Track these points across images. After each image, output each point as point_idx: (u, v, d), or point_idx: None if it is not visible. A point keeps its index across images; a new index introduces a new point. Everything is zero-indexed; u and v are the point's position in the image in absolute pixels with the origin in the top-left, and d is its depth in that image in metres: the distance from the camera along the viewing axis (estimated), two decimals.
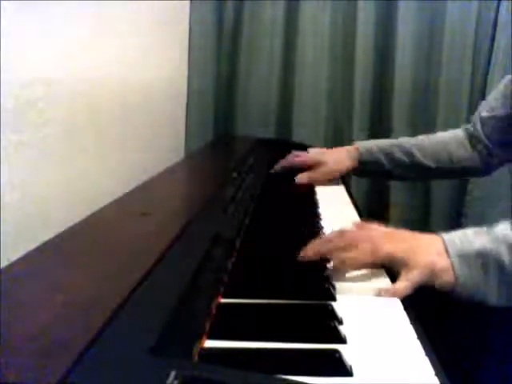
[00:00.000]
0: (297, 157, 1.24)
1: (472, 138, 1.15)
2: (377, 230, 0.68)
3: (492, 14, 1.70)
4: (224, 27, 1.76)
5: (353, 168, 1.17)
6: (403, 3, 1.71)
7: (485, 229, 0.64)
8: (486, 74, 1.72)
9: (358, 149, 1.17)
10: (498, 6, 1.69)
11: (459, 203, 1.75)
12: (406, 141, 1.18)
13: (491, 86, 1.70)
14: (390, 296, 0.58)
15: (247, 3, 1.73)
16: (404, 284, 0.59)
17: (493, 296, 0.61)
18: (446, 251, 0.61)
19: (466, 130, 1.18)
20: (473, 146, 1.15)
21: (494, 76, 1.69)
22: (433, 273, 0.60)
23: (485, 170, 1.17)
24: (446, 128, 1.73)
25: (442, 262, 0.61)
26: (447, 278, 0.60)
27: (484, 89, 1.73)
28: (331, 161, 1.18)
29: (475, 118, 1.16)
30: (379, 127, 1.80)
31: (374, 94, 1.78)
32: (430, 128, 1.76)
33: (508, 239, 0.61)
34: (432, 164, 1.14)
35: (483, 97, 1.73)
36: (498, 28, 1.68)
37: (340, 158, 1.18)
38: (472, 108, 1.75)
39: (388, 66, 1.76)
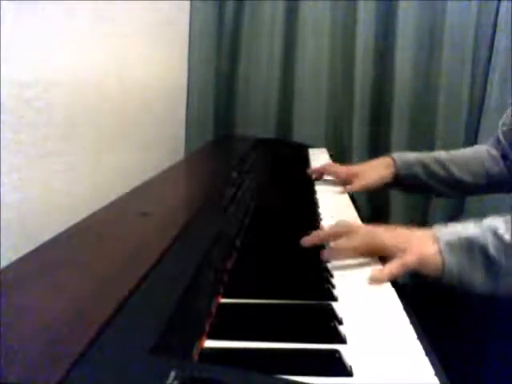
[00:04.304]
0: (334, 167, 1.23)
1: (501, 152, 1.13)
2: (374, 226, 0.71)
3: (492, 14, 1.70)
4: (224, 27, 1.76)
5: (390, 181, 1.14)
6: (403, 3, 1.71)
7: (474, 221, 0.67)
8: (486, 74, 1.72)
9: (394, 161, 1.14)
10: (498, 7, 1.69)
11: (459, 202, 1.75)
12: (441, 155, 1.16)
13: (491, 87, 1.70)
14: (380, 277, 0.61)
15: (247, 3, 1.73)
16: (393, 266, 0.63)
17: (479, 282, 0.63)
18: (437, 241, 0.65)
19: (496, 144, 1.15)
20: (504, 161, 1.13)
21: (494, 76, 1.69)
22: (422, 260, 0.64)
23: None
24: (445, 128, 1.75)
25: (431, 249, 0.64)
26: (435, 264, 0.64)
27: (484, 89, 1.73)
28: (369, 173, 1.15)
29: (499, 132, 1.14)
30: (379, 127, 1.80)
31: (374, 94, 1.78)
32: (429, 128, 1.77)
33: (493, 227, 0.64)
34: (468, 178, 1.12)
35: (483, 97, 1.73)
36: (498, 28, 1.68)
37: (378, 170, 1.15)
38: (472, 108, 1.75)
39: (388, 66, 1.76)
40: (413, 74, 1.75)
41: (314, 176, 1.24)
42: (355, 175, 1.16)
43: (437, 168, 1.13)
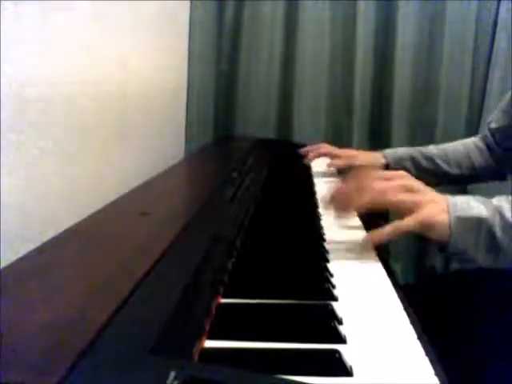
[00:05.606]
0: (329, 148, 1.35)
1: (488, 146, 1.21)
2: (397, 179, 0.75)
3: (492, 14, 1.70)
4: (224, 27, 1.76)
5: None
6: (403, 3, 1.71)
7: (483, 199, 0.71)
8: (486, 74, 1.72)
9: (385, 156, 1.23)
10: (498, 6, 1.69)
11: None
12: (429, 149, 1.24)
13: (491, 86, 1.70)
14: (395, 228, 0.68)
15: (247, 3, 1.73)
16: (409, 221, 0.68)
17: (480, 258, 0.68)
18: (449, 212, 0.69)
19: (484, 138, 1.23)
20: (490, 154, 1.21)
21: (494, 76, 1.69)
22: (431, 224, 0.68)
23: (500, 176, 1.23)
24: (445, 128, 1.75)
25: (442, 217, 0.68)
26: (442, 232, 0.68)
27: (484, 89, 1.73)
28: (363, 158, 1.25)
29: (486, 127, 1.22)
30: (379, 127, 1.80)
31: (374, 94, 1.78)
32: (429, 128, 1.77)
33: (501, 210, 0.68)
34: (455, 171, 1.21)
35: (483, 97, 1.73)
36: (498, 28, 1.69)
37: (371, 158, 1.25)
38: (472, 108, 1.75)
39: (388, 66, 1.76)
40: (413, 74, 1.75)
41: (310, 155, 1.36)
42: (351, 156, 1.26)
43: (425, 163, 1.21)
